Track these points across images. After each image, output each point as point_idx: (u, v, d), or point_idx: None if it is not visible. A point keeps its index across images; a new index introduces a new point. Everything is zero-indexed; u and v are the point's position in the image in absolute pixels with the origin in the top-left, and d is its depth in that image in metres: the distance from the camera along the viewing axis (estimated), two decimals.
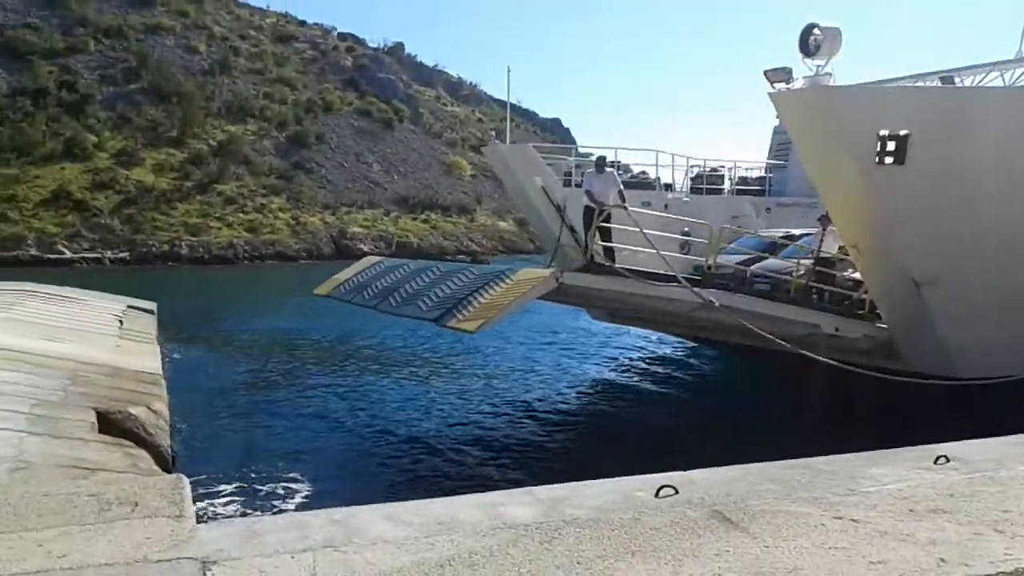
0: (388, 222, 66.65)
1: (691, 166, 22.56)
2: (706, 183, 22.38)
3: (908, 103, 12.20)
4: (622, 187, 15.29)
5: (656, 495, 4.86)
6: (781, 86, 12.26)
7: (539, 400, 15.75)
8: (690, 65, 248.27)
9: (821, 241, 14.98)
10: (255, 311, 29.39)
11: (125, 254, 50.44)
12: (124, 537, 4.14)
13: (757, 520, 4.46)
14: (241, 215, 58.25)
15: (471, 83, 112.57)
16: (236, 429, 12.92)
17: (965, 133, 11.85)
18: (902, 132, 11.70)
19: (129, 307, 19.58)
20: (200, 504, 4.74)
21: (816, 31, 11.78)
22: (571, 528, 4.33)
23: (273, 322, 25.96)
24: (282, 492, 9.84)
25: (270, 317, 27.33)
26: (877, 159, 11.87)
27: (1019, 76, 14.89)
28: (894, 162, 11.82)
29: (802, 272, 14.97)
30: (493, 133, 23.98)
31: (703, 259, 15.44)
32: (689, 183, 22.39)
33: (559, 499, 4.82)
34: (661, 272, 13.50)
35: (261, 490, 9.85)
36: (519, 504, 4.74)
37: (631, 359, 20.54)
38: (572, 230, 16.58)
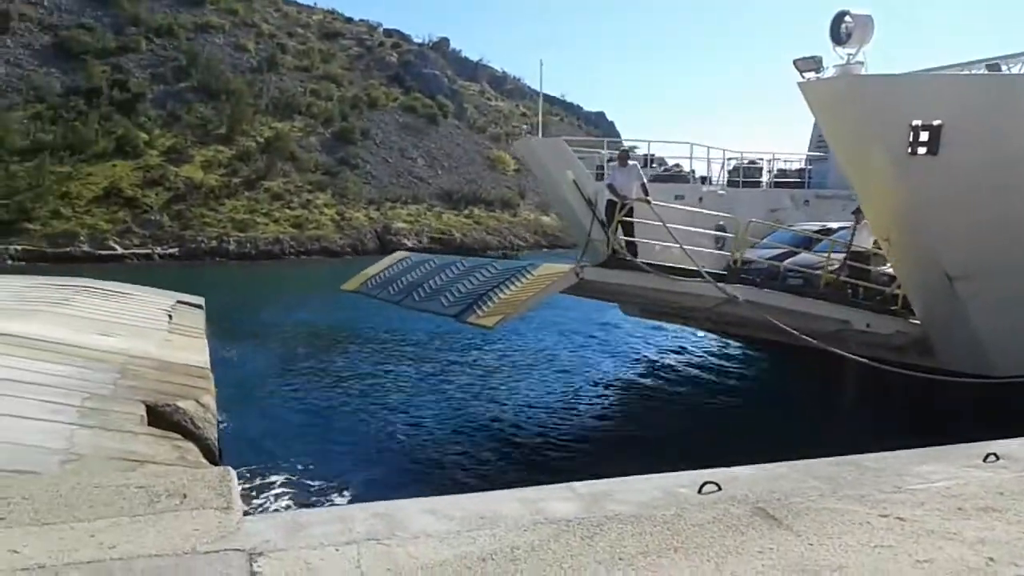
0: (431, 217, 66.90)
1: (728, 159, 22.36)
2: (743, 176, 22.12)
3: (942, 92, 11.68)
4: (646, 180, 15.10)
5: (699, 491, 4.84)
6: (811, 75, 11.92)
7: (576, 396, 15.74)
8: (737, 58, 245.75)
9: (854, 235, 14.70)
10: (301, 306, 29.73)
11: (174, 250, 51.26)
12: (173, 528, 4.23)
13: (802, 517, 4.42)
14: (287, 211, 58.84)
15: (515, 77, 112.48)
16: (281, 422, 13.10)
17: (1003, 122, 11.36)
18: (935, 122, 11.29)
19: (178, 302, 19.86)
20: (246, 496, 4.84)
21: (847, 18, 11.45)
22: (613, 524, 4.32)
23: (318, 316, 26.25)
24: (325, 485, 9.96)
25: (315, 312, 27.64)
26: (909, 150, 11.47)
27: None
28: (927, 153, 11.40)
29: (834, 266, 14.66)
30: (526, 127, 24.00)
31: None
32: (726, 176, 22.17)
33: (601, 494, 4.81)
34: (685, 267, 13.34)
35: (305, 483, 9.99)
36: (560, 499, 4.75)
37: (668, 353, 20.41)
38: (603, 224, 16.49)
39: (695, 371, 18.54)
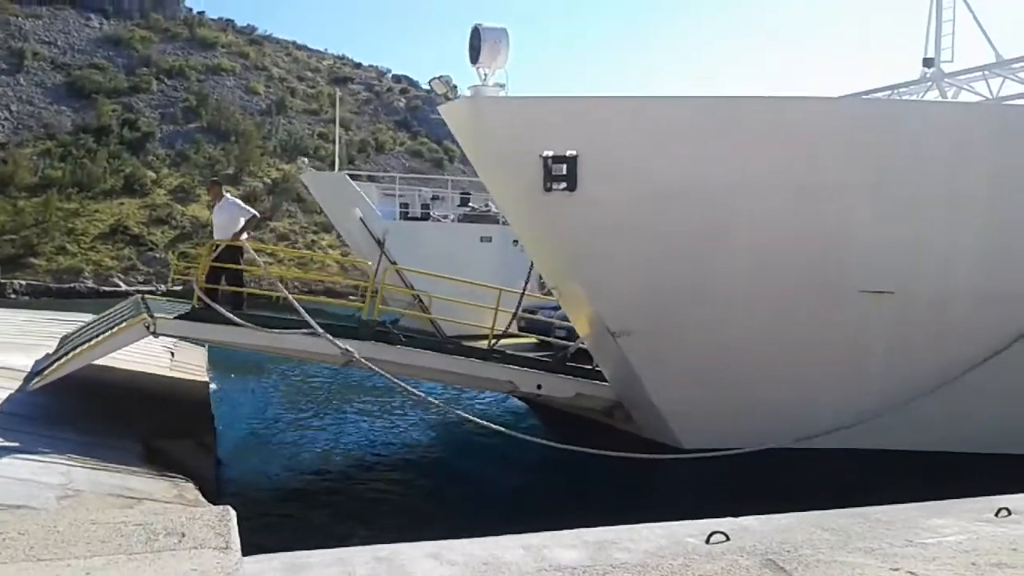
0: None
1: None
2: None
3: (575, 118, 9.94)
4: (246, 218, 12.86)
5: (707, 541, 4.75)
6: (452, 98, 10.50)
7: None
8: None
9: None
10: None
11: (178, 288, 51.44)
12: (171, 568, 4.14)
13: (811, 570, 4.33)
14: (292, 252, 59.19)
15: None
16: (282, 461, 12.97)
17: (642, 153, 9.80)
18: (569, 152, 9.72)
19: (181, 339, 19.83)
20: (244, 535, 4.75)
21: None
22: (619, 573, 4.23)
23: None
24: (326, 524, 9.83)
25: None
26: (545, 185, 9.85)
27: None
28: (565, 188, 9.79)
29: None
30: (305, 160, 23.68)
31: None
32: None
33: (607, 542, 4.72)
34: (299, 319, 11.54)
35: (305, 523, 9.85)
36: (566, 546, 4.65)
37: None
38: (393, 263, 15.50)
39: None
